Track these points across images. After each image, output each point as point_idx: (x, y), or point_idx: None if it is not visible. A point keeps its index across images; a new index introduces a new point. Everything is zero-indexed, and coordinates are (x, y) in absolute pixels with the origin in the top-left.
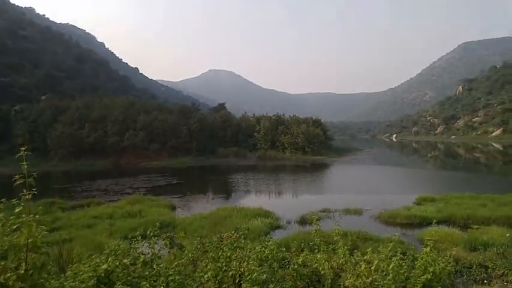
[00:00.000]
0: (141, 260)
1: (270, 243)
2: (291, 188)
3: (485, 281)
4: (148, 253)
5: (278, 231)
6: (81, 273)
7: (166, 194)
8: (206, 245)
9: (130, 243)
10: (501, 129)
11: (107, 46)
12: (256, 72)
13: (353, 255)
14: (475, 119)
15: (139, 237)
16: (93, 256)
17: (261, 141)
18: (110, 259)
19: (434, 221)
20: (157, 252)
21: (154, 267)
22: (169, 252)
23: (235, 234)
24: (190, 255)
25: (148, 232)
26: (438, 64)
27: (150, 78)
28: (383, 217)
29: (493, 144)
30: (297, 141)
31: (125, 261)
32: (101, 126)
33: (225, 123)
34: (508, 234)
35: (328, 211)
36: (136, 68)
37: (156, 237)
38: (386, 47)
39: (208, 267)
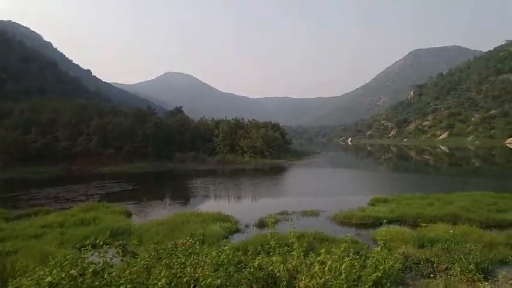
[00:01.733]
0: (91, 270)
1: (226, 247)
2: (250, 192)
3: (432, 275)
4: (99, 262)
5: (237, 235)
6: (23, 287)
7: (122, 200)
8: (160, 252)
9: (80, 253)
10: (447, 132)
11: (55, 46)
12: (215, 76)
13: (308, 257)
14: (424, 123)
15: (89, 246)
16: (37, 268)
17: (219, 146)
18: (54, 271)
19: (385, 221)
20: (109, 261)
21: (105, 276)
22: (122, 260)
23: (190, 240)
24: (143, 262)
25: (97, 240)
26: (391, 70)
27: (103, 80)
28: (339, 218)
29: (441, 146)
30: (256, 145)
31: (72, 272)
32: (50, 130)
33: (183, 127)
34: (451, 231)
35: (286, 213)
36: (88, 70)
37: (107, 246)
38: (343, 53)
39: (162, 274)
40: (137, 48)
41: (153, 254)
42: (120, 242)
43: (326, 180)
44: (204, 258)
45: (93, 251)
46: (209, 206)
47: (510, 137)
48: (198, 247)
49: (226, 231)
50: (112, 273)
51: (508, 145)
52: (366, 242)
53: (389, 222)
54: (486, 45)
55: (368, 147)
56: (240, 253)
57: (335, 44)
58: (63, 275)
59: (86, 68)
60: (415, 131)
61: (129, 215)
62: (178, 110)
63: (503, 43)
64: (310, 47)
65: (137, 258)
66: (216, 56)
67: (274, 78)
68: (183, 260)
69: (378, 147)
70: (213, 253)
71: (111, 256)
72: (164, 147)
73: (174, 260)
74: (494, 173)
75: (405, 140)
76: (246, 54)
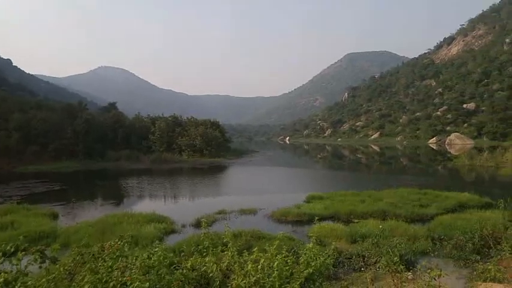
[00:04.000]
0: (2, 280)
1: (157, 249)
2: (188, 191)
3: (362, 269)
4: (12, 271)
5: (173, 235)
6: None
7: (47, 201)
8: (85, 256)
9: None
10: (378, 132)
11: None
12: (153, 71)
13: (242, 256)
14: (358, 123)
15: (1, 253)
16: None
17: (156, 144)
18: None
19: (317, 219)
20: (23, 269)
21: (19, 286)
22: (40, 267)
23: (118, 242)
24: (62, 269)
25: (8, 247)
26: (327, 72)
27: (27, 72)
28: (276, 215)
29: (372, 146)
30: (195, 143)
31: None
32: None
33: (116, 124)
34: (380, 226)
35: (224, 212)
36: (8, 59)
37: (23, 252)
38: (283, 53)
39: (86, 279)
40: (68, 39)
41: (77, 258)
42: (39, 247)
43: (265, 178)
44: (133, 261)
45: (3, 258)
46: (144, 206)
47: (432, 138)
48: (127, 249)
49: (161, 232)
50: (27, 282)
51: (430, 145)
52: (301, 238)
53: (324, 218)
54: (412, 52)
55: (305, 146)
56: (172, 255)
57: (277, 44)
58: None
59: (5, 58)
60: (348, 131)
61: (55, 217)
62: (112, 106)
63: (426, 51)
64: (253, 46)
65: (56, 264)
66: (154, 51)
67: (215, 75)
68: (110, 264)
69: (314, 146)
70: (143, 255)
71: (26, 263)
72: (96, 144)
73: (99, 264)
74: (418, 171)
75: (339, 139)
76: (186, 50)
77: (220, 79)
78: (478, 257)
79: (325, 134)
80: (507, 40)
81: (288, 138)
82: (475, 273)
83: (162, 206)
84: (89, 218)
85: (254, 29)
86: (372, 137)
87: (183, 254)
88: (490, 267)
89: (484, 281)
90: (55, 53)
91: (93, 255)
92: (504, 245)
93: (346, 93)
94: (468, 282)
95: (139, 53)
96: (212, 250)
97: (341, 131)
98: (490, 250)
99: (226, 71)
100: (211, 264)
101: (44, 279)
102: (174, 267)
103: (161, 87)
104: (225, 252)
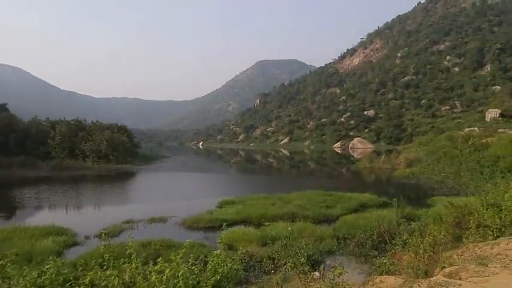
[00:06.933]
0: None
1: (49, 266)
2: (92, 200)
3: (273, 271)
4: None
5: (75, 248)
6: None
7: None
8: None
9: None
10: (288, 137)
11: None
12: (53, 71)
13: (147, 266)
14: (269, 129)
15: None
16: None
17: (56, 149)
18: None
19: (224, 224)
20: None
21: None
22: None
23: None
24: None
25: None
26: (240, 78)
27: None
28: (187, 223)
29: (282, 150)
30: (100, 149)
31: None
32: None
33: (8, 128)
34: (289, 228)
35: (132, 222)
36: None
37: None
38: (194, 56)
39: None
40: None
41: None
42: None
43: (176, 185)
44: (18, 282)
45: None
46: (41, 218)
47: (337, 142)
48: (10, 270)
49: (60, 246)
50: None
51: (335, 149)
52: (213, 245)
53: (236, 223)
54: (318, 61)
55: (218, 151)
56: (67, 270)
57: (189, 45)
58: None
59: None
60: (260, 136)
61: None
62: (2, 108)
63: (331, 61)
64: (164, 47)
65: None
66: (53, 48)
67: (122, 77)
68: None
69: (227, 151)
70: (33, 274)
71: None
72: None
73: None
74: (324, 174)
75: (252, 144)
76: (90, 48)
77: (128, 81)
78: (376, 252)
79: (239, 139)
80: (398, 55)
81: (201, 143)
82: (373, 267)
83: (64, 217)
84: None
85: (167, 30)
86: (282, 141)
87: (81, 268)
88: (385, 261)
89: (380, 274)
90: None
91: None
92: (397, 240)
93: (258, 100)
94: (367, 276)
95: (37, 50)
96: (114, 263)
97: (253, 136)
98: (386, 245)
99: (134, 73)
100: (113, 277)
101: None
102: (70, 284)
103: (63, 89)
104: (128, 264)
